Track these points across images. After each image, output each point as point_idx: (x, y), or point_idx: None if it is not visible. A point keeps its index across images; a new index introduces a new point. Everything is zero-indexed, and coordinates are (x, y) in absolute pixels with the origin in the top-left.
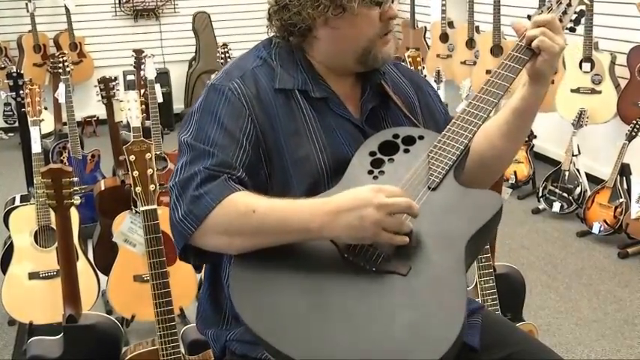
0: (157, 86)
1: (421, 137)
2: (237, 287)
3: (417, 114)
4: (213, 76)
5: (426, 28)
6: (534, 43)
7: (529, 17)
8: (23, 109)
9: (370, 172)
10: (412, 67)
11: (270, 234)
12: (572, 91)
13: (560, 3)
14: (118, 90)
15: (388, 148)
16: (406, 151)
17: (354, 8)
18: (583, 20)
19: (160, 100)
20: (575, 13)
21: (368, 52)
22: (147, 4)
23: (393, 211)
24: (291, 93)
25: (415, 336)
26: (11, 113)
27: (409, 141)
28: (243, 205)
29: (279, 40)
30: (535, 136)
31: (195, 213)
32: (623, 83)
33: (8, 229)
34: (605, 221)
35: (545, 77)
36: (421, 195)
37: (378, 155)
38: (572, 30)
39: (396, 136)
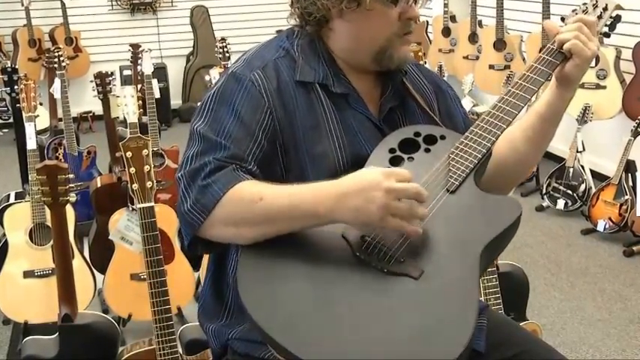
0: (154, 81)
1: (443, 137)
2: (244, 281)
3: (435, 115)
4: (211, 71)
5: (427, 22)
6: (567, 46)
7: (563, 19)
8: (18, 105)
9: None
10: None
11: (278, 221)
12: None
13: (596, 7)
14: (114, 85)
15: (408, 146)
16: (427, 150)
17: (367, 3)
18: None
19: (157, 95)
20: (610, 17)
21: (384, 51)
22: None
23: (401, 196)
24: (311, 86)
25: (423, 341)
26: (6, 109)
27: (430, 140)
28: (250, 193)
29: (299, 29)
30: None
31: (202, 203)
32: (628, 78)
33: (3, 226)
34: (610, 219)
35: (574, 82)
36: (439, 197)
37: (398, 153)
38: (607, 35)
39: (417, 134)
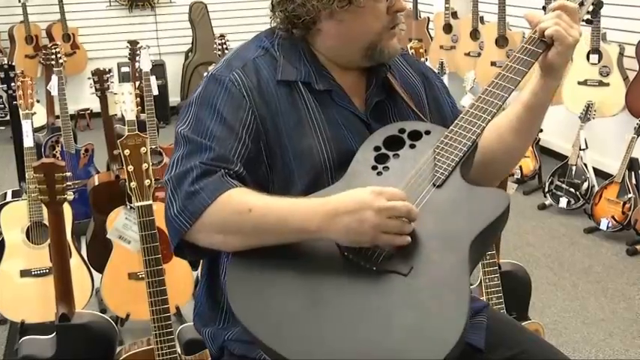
0: (153, 78)
1: (428, 132)
2: (233, 285)
3: (423, 107)
4: (210, 67)
5: (429, 18)
6: (548, 32)
7: (544, 9)
8: (15, 102)
9: (374, 168)
10: None
11: (266, 234)
12: (580, 83)
13: None
14: (112, 82)
15: (393, 143)
16: (412, 146)
17: (360, 1)
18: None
19: (156, 92)
20: (592, 4)
21: (374, 46)
22: None
23: (393, 215)
24: (294, 85)
25: (414, 338)
26: (2, 106)
27: (415, 136)
28: (239, 203)
29: (282, 32)
30: (541, 130)
31: (190, 209)
32: (631, 75)
33: None
34: (613, 217)
35: (558, 70)
36: (425, 192)
37: (383, 150)
38: (589, 22)
39: (401, 130)
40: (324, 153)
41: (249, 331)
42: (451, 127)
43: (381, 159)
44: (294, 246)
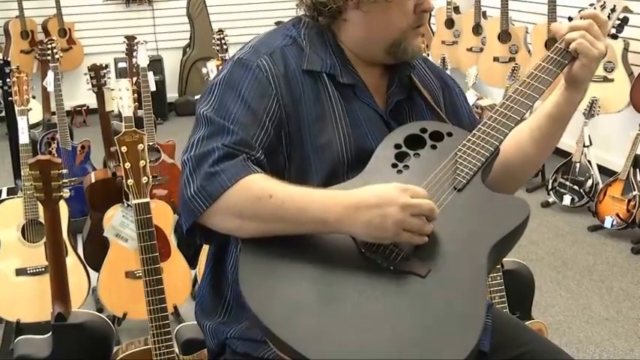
0: (150, 74)
1: (450, 134)
2: (246, 275)
3: (441, 111)
4: (209, 63)
5: (430, 13)
6: (572, 46)
7: (570, 19)
8: (10, 98)
9: (394, 166)
10: None
11: (284, 222)
12: None
13: (604, 7)
14: (109, 78)
15: (414, 142)
16: (433, 147)
17: None
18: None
19: (153, 88)
20: (618, 19)
21: (398, 43)
22: None
23: (416, 213)
24: (319, 75)
25: (429, 342)
26: None
27: (437, 137)
28: (260, 188)
29: (308, 19)
30: None
31: (208, 190)
32: (636, 71)
33: None
34: (617, 215)
35: (582, 83)
36: (446, 195)
37: (404, 148)
38: (615, 37)
39: (423, 130)
40: (343, 148)
41: (257, 317)
42: (474, 132)
43: (402, 157)
44: (311, 239)
